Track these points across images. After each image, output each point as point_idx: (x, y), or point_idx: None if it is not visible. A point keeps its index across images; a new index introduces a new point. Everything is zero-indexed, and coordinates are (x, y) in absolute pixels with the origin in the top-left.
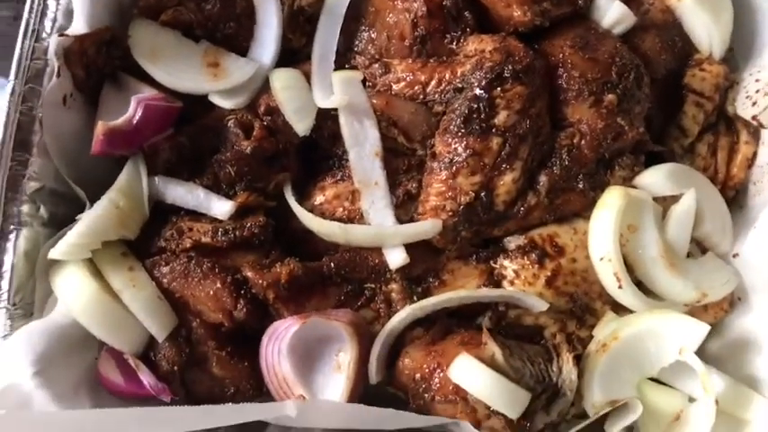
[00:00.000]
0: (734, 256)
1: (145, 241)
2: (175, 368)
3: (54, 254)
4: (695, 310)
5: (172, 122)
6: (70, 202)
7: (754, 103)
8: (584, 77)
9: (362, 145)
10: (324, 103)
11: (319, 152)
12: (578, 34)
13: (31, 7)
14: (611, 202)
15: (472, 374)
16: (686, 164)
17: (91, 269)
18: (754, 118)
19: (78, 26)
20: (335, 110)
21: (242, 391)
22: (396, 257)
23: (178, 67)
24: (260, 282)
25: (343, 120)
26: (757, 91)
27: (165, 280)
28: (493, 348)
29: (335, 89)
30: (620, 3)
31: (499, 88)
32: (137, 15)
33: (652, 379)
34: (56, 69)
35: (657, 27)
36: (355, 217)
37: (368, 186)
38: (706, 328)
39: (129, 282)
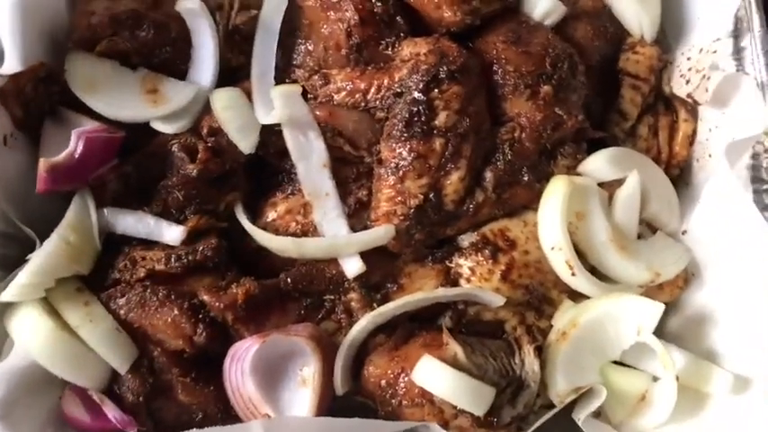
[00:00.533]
0: (683, 233)
1: (99, 274)
2: (141, 399)
3: (6, 296)
4: (651, 291)
5: (115, 153)
6: (19, 242)
7: (687, 81)
8: (519, 71)
9: (309, 157)
10: (266, 119)
11: (268, 168)
12: (510, 29)
13: None
14: (556, 192)
15: (436, 376)
16: (629, 147)
17: (46, 308)
18: (689, 96)
19: (12, 65)
20: (280, 125)
21: (210, 416)
22: (352, 266)
23: (117, 97)
24: (217, 304)
25: (287, 134)
26: (689, 69)
27: (122, 311)
28: (454, 348)
29: (276, 104)
30: None
31: (436, 90)
32: (72, 49)
33: (615, 362)
34: None
35: (588, 15)
36: (309, 230)
37: (319, 198)
38: (661, 306)
39: (85, 317)
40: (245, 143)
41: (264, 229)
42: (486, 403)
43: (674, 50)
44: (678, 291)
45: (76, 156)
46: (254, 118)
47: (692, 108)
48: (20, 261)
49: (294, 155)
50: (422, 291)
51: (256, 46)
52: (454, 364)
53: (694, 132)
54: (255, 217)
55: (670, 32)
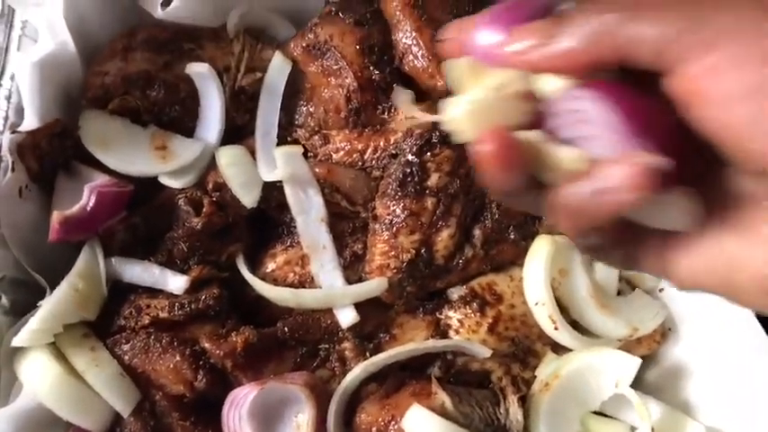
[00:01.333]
0: (660, 290)
1: (105, 321)
2: None
3: (17, 341)
4: (630, 344)
5: (124, 205)
6: (30, 289)
7: None
8: None
9: (308, 212)
10: (269, 176)
11: (268, 222)
12: None
13: None
14: (540, 250)
15: (424, 424)
16: None
17: (54, 353)
18: None
19: (30, 122)
20: (281, 181)
21: None
22: (346, 317)
23: (128, 153)
24: (217, 352)
25: (288, 190)
26: None
27: (126, 357)
28: (442, 397)
29: (278, 163)
30: None
31: (429, 153)
32: (85, 107)
33: (596, 412)
34: (10, 164)
35: None
36: (306, 280)
37: (316, 251)
38: (638, 361)
39: (91, 362)
40: (248, 198)
41: (264, 278)
42: None
43: None
44: (655, 345)
45: (88, 209)
46: (256, 174)
47: None
48: (29, 307)
49: (294, 209)
50: (413, 341)
51: (261, 107)
52: (442, 412)
53: None
54: (255, 267)
55: None
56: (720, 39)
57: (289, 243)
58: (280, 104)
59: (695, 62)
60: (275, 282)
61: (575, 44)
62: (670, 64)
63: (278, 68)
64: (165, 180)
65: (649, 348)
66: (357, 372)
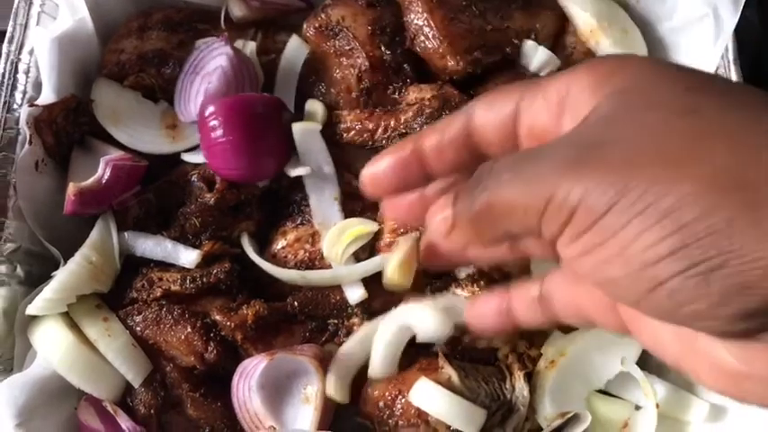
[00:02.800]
0: None
1: (118, 293)
2: (152, 412)
3: (31, 309)
4: None
5: (139, 180)
6: (45, 260)
7: None
8: None
9: (322, 190)
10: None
11: (279, 199)
12: (508, 79)
13: (2, 81)
14: None
15: (431, 397)
16: None
17: (67, 322)
18: None
19: (47, 96)
20: (294, 158)
21: (217, 430)
22: (354, 294)
23: (139, 130)
24: (228, 324)
25: (304, 167)
26: None
27: (138, 328)
28: (449, 371)
29: (295, 138)
30: (545, 48)
31: None
32: (98, 78)
33: (600, 391)
34: (27, 137)
35: None
36: (316, 257)
37: (328, 228)
38: None
39: (104, 331)
40: None
41: (274, 256)
42: (477, 424)
43: None
44: None
45: (103, 182)
46: None
47: None
48: (43, 278)
49: (308, 187)
50: None
51: (277, 89)
52: (448, 386)
53: None
54: (266, 245)
55: None
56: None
57: (299, 221)
58: (295, 86)
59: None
60: (285, 258)
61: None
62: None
63: (294, 50)
64: (186, 157)
65: None
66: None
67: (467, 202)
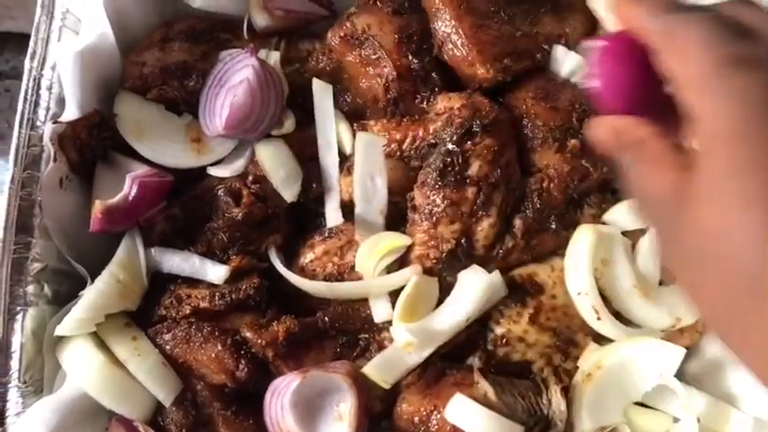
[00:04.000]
0: None
1: (146, 311)
2: (184, 431)
3: (61, 330)
4: (672, 335)
5: (165, 196)
6: (72, 279)
7: None
8: (548, 126)
9: (371, 202)
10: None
11: (306, 211)
12: (539, 86)
13: (25, 98)
14: (582, 240)
15: (467, 413)
16: None
17: (96, 342)
18: None
19: (70, 112)
20: (320, 173)
21: None
22: (381, 312)
23: (163, 144)
24: (259, 341)
25: (357, 175)
26: None
27: (167, 347)
28: (485, 387)
29: (357, 147)
30: (576, 54)
31: (470, 142)
32: (121, 91)
33: (638, 403)
34: (52, 155)
35: None
36: (345, 271)
37: None
38: (682, 351)
39: (133, 351)
40: (289, 192)
41: (302, 269)
42: None
43: None
44: (697, 336)
45: (130, 198)
46: (296, 168)
47: None
48: (70, 297)
49: (357, 195)
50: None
51: (318, 129)
52: (485, 402)
53: None
54: (293, 258)
55: None
56: None
57: (327, 234)
58: (333, 122)
59: None
60: (314, 272)
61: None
62: None
63: (321, 93)
64: (213, 171)
65: (691, 340)
66: None
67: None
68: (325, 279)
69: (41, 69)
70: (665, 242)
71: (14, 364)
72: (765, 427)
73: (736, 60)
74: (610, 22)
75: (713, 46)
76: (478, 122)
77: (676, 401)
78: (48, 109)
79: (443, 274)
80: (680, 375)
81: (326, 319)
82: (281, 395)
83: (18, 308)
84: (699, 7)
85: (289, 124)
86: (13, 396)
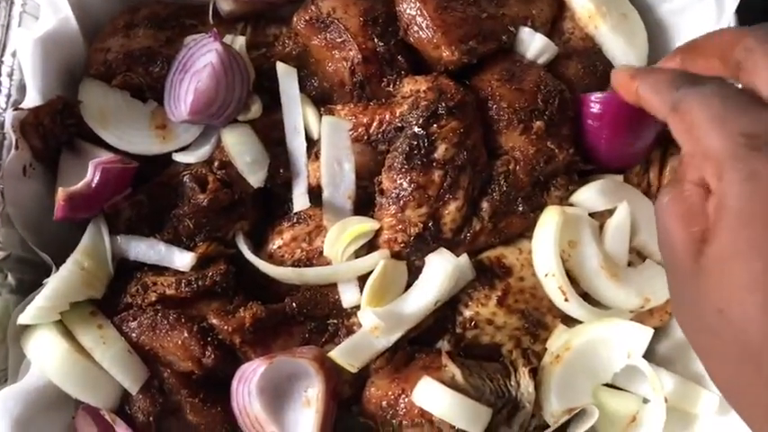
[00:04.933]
0: None
1: (112, 299)
2: (151, 419)
3: (24, 319)
4: (641, 316)
5: (129, 182)
6: (36, 267)
7: None
8: (513, 107)
9: (338, 186)
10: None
11: (273, 197)
12: (504, 68)
13: None
14: (549, 221)
15: (435, 396)
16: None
17: (61, 330)
18: None
19: (32, 99)
20: (287, 158)
21: None
22: (350, 297)
23: (128, 131)
24: (225, 328)
25: (323, 160)
26: None
27: (133, 334)
28: (453, 370)
29: (323, 131)
30: (542, 35)
31: (435, 125)
32: (85, 77)
33: (607, 385)
34: (13, 142)
35: (579, 54)
36: (314, 256)
37: None
38: (650, 331)
39: (99, 339)
40: (255, 177)
41: (271, 255)
42: (483, 423)
43: None
44: (667, 316)
45: (93, 185)
46: (263, 153)
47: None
48: (35, 285)
49: (324, 180)
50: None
51: (285, 114)
52: (452, 385)
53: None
54: (261, 244)
55: None
56: None
57: (295, 220)
58: (299, 106)
59: None
60: (282, 258)
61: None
62: None
63: (286, 77)
64: (178, 157)
65: (661, 320)
66: None
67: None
68: (294, 265)
69: (1, 56)
70: (679, 298)
71: None
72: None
73: (749, 140)
74: (578, 4)
75: (724, 122)
76: (444, 105)
77: (646, 383)
78: (9, 96)
79: (411, 258)
80: (650, 356)
81: (294, 304)
82: (248, 381)
83: None
84: (704, 78)
85: (255, 109)
86: None
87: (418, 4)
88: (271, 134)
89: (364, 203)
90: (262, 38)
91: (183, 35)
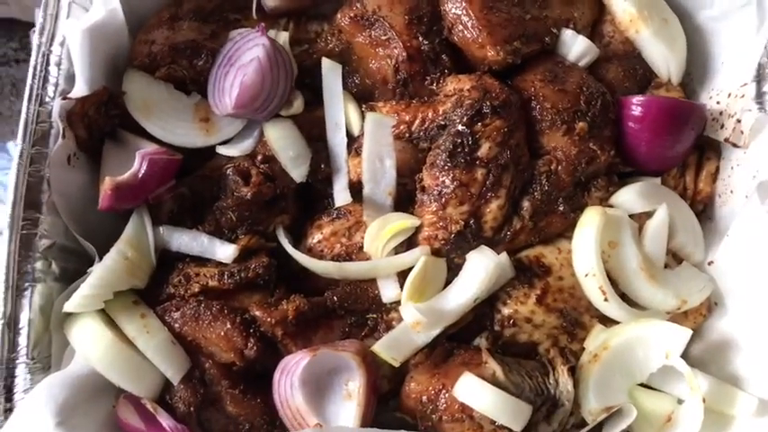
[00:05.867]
0: (709, 263)
1: (154, 289)
2: (192, 409)
3: (69, 307)
4: (677, 317)
5: (174, 174)
6: (79, 256)
7: (722, 126)
8: (556, 108)
9: (379, 182)
10: (337, 140)
11: (313, 191)
12: (547, 69)
13: (34, 73)
14: (590, 222)
15: (476, 392)
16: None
17: (105, 319)
18: (726, 140)
19: (80, 89)
20: (327, 154)
21: (256, 427)
22: (389, 292)
23: (171, 123)
24: (268, 320)
25: (365, 155)
26: (721, 113)
27: (176, 324)
28: (493, 366)
29: (366, 128)
30: (584, 38)
31: (480, 123)
32: (129, 68)
33: (643, 384)
34: (60, 131)
35: (619, 57)
36: (353, 251)
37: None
38: (688, 332)
39: (142, 328)
40: (298, 172)
41: (310, 249)
42: (523, 420)
43: (699, 93)
44: (701, 318)
45: (140, 176)
46: (305, 148)
47: (717, 147)
48: (78, 274)
49: (365, 176)
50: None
51: (326, 109)
52: (493, 381)
53: (717, 170)
54: (301, 238)
55: (695, 76)
56: None
57: (335, 215)
58: (342, 102)
59: None
60: (322, 252)
61: None
62: None
63: (330, 73)
64: (222, 150)
65: (695, 322)
66: None
67: None
68: (333, 259)
69: (50, 46)
70: None
71: (22, 340)
72: None
73: None
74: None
75: None
76: (488, 104)
77: (681, 383)
78: (56, 85)
79: (451, 255)
80: (684, 358)
81: (335, 298)
82: (291, 373)
83: (26, 284)
84: None
85: (298, 104)
86: (21, 372)
87: (464, 4)
88: (312, 130)
89: (404, 200)
90: (303, 34)
91: (227, 29)
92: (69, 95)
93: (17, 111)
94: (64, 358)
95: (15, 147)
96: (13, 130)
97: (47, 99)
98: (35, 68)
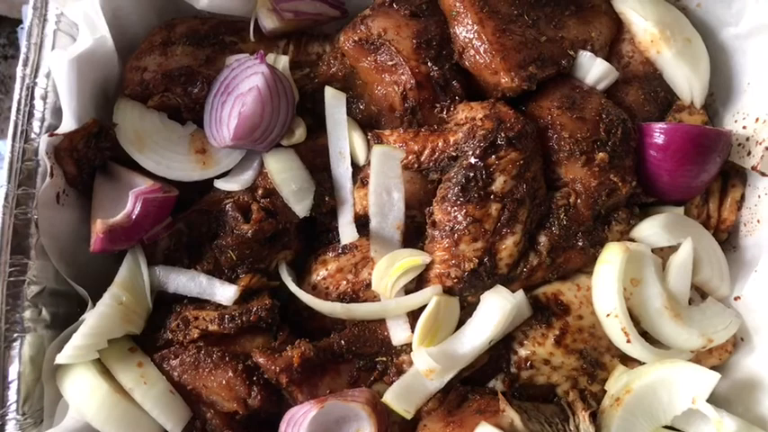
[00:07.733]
0: (735, 299)
1: (151, 334)
2: None
3: (61, 359)
4: (701, 354)
5: (170, 212)
6: (70, 299)
7: (749, 153)
8: (574, 137)
9: (386, 216)
10: (341, 170)
11: (315, 225)
12: (564, 94)
13: (18, 108)
14: (612, 258)
15: None
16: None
17: (99, 369)
18: (754, 168)
19: (68, 123)
20: (331, 185)
21: None
22: (399, 334)
23: (166, 155)
24: (272, 368)
25: (372, 189)
26: (747, 139)
27: (175, 373)
28: (511, 415)
29: (373, 160)
30: (603, 60)
31: (494, 156)
32: (120, 97)
33: (667, 426)
34: (48, 169)
35: (639, 79)
36: (360, 289)
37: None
38: (716, 376)
39: (139, 379)
40: (301, 207)
41: (315, 286)
42: None
43: (722, 116)
44: (727, 355)
45: (134, 217)
46: (309, 181)
47: (741, 173)
48: (70, 318)
49: (372, 209)
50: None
51: (330, 137)
52: (511, 431)
53: (742, 198)
54: (305, 273)
55: (718, 96)
56: None
57: (341, 250)
58: (346, 131)
59: None
60: (327, 290)
61: None
62: None
63: (334, 102)
64: (219, 184)
65: (720, 359)
66: None
67: None
68: (339, 297)
69: (35, 77)
70: None
71: (12, 395)
72: None
73: None
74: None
75: None
76: (503, 135)
77: (706, 424)
78: (42, 120)
79: (464, 294)
80: (709, 397)
81: (342, 342)
82: (298, 425)
83: (15, 335)
84: None
85: (300, 133)
86: (12, 429)
87: (475, 27)
88: (314, 158)
89: (412, 234)
90: (304, 56)
91: (223, 53)
92: (56, 131)
93: (6, 108)
94: (57, 411)
95: (0, 188)
96: (2, 128)
97: (32, 135)
98: (19, 102)
